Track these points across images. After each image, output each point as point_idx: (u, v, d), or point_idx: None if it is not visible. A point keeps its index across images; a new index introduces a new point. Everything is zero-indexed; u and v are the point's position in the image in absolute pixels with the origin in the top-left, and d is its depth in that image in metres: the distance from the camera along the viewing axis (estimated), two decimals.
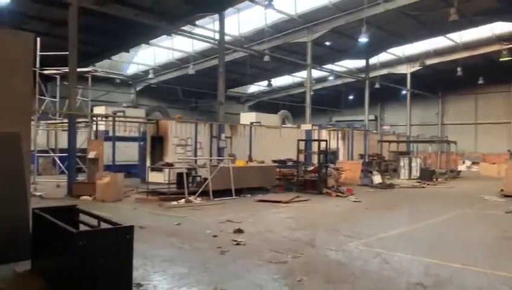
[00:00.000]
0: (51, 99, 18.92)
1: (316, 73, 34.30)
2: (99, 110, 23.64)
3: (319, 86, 39.43)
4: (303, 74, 34.46)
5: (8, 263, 5.41)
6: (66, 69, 15.32)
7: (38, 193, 12.83)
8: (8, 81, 5.85)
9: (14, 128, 6.02)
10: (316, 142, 17.44)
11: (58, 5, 16.13)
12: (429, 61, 32.67)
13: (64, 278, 4.53)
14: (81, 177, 15.25)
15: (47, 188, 14.69)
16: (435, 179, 21.57)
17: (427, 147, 33.92)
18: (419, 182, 20.52)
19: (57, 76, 18.83)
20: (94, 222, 5.32)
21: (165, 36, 26.06)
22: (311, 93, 27.26)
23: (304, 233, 8.09)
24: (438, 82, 37.35)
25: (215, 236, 7.68)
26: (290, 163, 17.14)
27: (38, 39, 14.94)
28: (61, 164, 17.76)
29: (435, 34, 28.65)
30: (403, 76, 35.98)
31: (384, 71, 36.57)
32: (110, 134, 18.21)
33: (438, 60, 32.89)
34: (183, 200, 12.20)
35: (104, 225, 5.07)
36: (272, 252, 6.53)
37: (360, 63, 35.06)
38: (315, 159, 17.51)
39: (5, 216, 5.54)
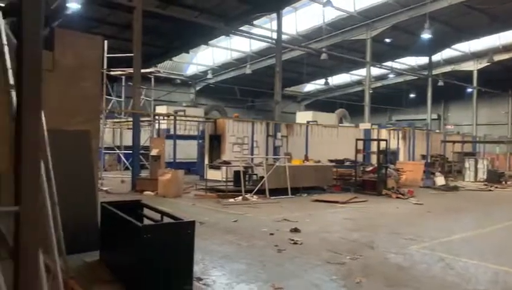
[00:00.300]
0: (117, 99, 19.91)
1: (375, 71, 33.42)
2: (161, 109, 24.57)
3: (378, 84, 38.37)
4: (361, 72, 33.74)
5: (78, 253, 5.76)
6: (131, 70, 16.06)
7: (104, 188, 13.55)
8: (80, 83, 6.24)
9: (85, 127, 6.42)
10: (375, 142, 16.99)
11: (124, 9, 16.94)
12: (498, 57, 30.70)
13: (129, 269, 4.75)
14: (143, 173, 15.93)
15: (112, 183, 15.48)
16: (503, 182, 20.26)
17: (495, 148, 31.93)
18: (486, 184, 19.38)
19: (123, 77, 19.80)
20: (157, 216, 5.54)
21: (223, 36, 26.57)
22: (370, 91, 26.61)
23: (362, 234, 7.92)
24: (507, 79, 34.99)
25: (272, 234, 7.72)
26: (347, 163, 16.85)
27: (105, 42, 15.81)
28: (125, 161, 18.64)
29: (506, 28, 26.88)
30: (469, 73, 34.09)
31: (448, 68, 34.87)
32: (171, 132, 18.88)
33: (508, 55, 30.83)
34: (240, 197, 12.37)
35: (166, 220, 5.26)
36: (329, 253, 6.47)
37: (423, 60, 33.69)
38: (374, 159, 17.06)
39: (76, 209, 5.90)
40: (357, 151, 16.22)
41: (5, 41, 2.19)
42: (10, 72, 2.26)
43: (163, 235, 4.54)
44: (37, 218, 2.04)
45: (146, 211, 6.06)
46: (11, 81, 2.27)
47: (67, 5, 16.41)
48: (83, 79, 6.26)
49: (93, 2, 17.72)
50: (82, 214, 6.03)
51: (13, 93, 2.26)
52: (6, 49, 2.20)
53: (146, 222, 5.64)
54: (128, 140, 19.72)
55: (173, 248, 4.52)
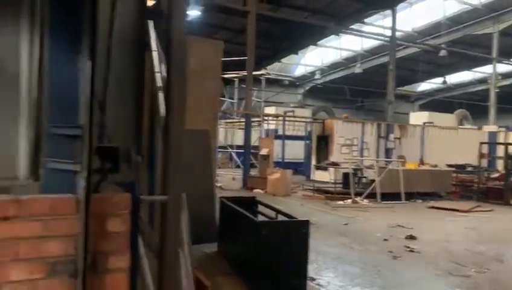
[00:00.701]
0: (230, 100, 20.86)
1: (503, 67, 30.16)
2: (269, 110, 25.15)
3: (505, 82, 34.50)
4: (485, 69, 30.76)
5: (198, 244, 6.14)
6: (244, 73, 16.71)
7: (218, 184, 14.30)
8: (203, 85, 6.67)
9: (205, 127, 6.85)
10: (503, 146, 15.37)
11: (239, 14, 17.65)
12: None
13: (245, 263, 4.95)
14: (253, 172, 16.46)
15: (225, 180, 16.27)
16: None
17: None
18: None
19: (236, 79, 20.69)
20: (271, 213, 5.67)
21: (332, 36, 26.28)
22: (496, 90, 24.13)
23: (488, 247, 7.22)
24: None
25: (386, 240, 7.43)
26: (469, 168, 15.50)
27: None
28: (237, 159, 19.44)
29: None
30: None
31: None
32: (279, 132, 19.22)
33: None
34: (349, 200, 12.12)
35: (280, 218, 5.36)
36: (450, 264, 6.02)
37: None
38: (500, 165, 15.45)
39: (197, 202, 6.31)
40: (481, 155, 14.85)
41: (154, 47, 2.45)
42: (158, 76, 2.52)
43: (279, 233, 4.64)
44: (181, 208, 2.23)
45: (260, 208, 6.25)
46: (159, 83, 2.52)
47: (188, 12, 17.64)
48: (205, 81, 6.68)
49: (212, 9, 18.78)
50: (202, 208, 6.43)
51: (160, 95, 2.51)
52: (155, 54, 2.46)
53: (260, 218, 5.82)
54: (238, 139, 20.53)
55: (288, 246, 4.59)
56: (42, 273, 1.75)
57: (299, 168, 20.36)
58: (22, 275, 1.73)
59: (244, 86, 16.64)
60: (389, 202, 12.28)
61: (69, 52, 1.89)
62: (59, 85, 1.90)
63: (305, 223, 4.75)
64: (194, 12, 17.55)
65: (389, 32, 21.74)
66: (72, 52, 1.88)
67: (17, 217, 1.72)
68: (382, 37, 22.84)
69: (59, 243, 1.77)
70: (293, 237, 4.67)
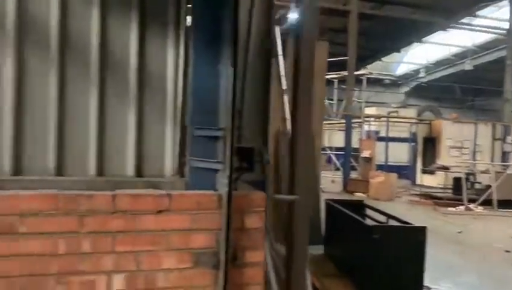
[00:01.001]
0: (329, 101, 20.65)
1: None
2: (370, 110, 24.38)
3: None
4: None
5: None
6: (345, 73, 16.42)
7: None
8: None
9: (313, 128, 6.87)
10: None
11: (340, 14, 17.39)
12: None
13: (354, 266, 4.86)
14: (352, 175, 16.07)
15: (324, 182, 16.08)
16: None
17: None
18: None
19: (335, 80, 20.43)
20: (379, 218, 5.49)
21: (438, 32, 24.64)
22: None
23: None
24: None
25: (508, 251, 6.78)
26: None
27: None
28: (336, 161, 19.16)
29: None
30: None
31: None
32: (380, 134, 18.55)
33: None
34: (461, 207, 11.28)
35: (391, 223, 5.17)
36: None
37: None
38: None
39: (309, 201, 6.36)
40: None
41: (280, 52, 2.54)
42: (283, 79, 2.61)
43: (392, 238, 4.49)
44: (307, 207, 2.28)
45: (368, 213, 6.08)
46: (284, 86, 2.60)
47: (288, 15, 17.82)
48: (315, 83, 6.71)
49: None
50: (312, 208, 6.45)
51: (285, 97, 2.60)
52: (281, 59, 2.55)
53: (368, 222, 5.66)
54: (337, 141, 20.19)
55: (403, 252, 4.42)
56: (189, 263, 1.92)
57: (403, 171, 19.40)
58: (172, 263, 1.91)
59: (343, 86, 16.35)
60: (508, 210, 11.20)
61: (210, 58, 2.04)
62: (201, 89, 2.06)
63: (422, 230, 4.52)
64: (293, 15, 17.67)
65: (505, 25, 19.78)
66: (214, 58, 2.03)
67: (169, 210, 1.91)
68: (497, 31, 20.84)
69: (204, 236, 1.93)
70: (408, 244, 4.48)
